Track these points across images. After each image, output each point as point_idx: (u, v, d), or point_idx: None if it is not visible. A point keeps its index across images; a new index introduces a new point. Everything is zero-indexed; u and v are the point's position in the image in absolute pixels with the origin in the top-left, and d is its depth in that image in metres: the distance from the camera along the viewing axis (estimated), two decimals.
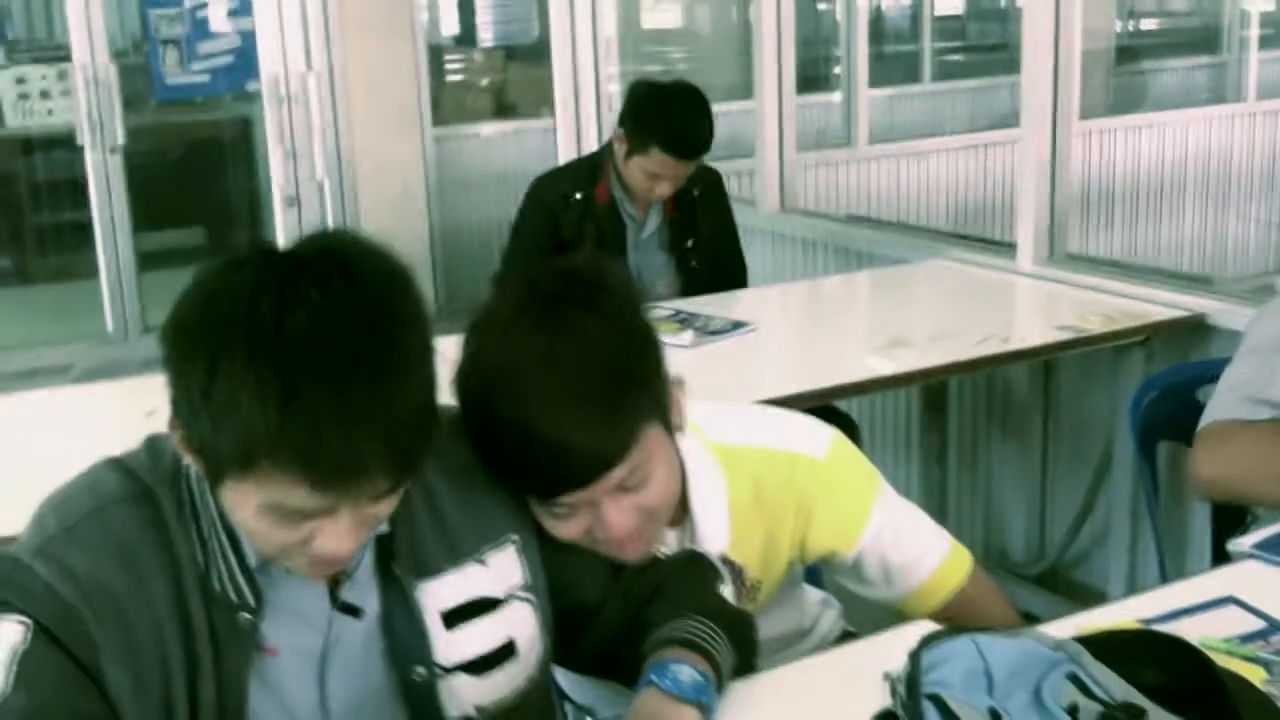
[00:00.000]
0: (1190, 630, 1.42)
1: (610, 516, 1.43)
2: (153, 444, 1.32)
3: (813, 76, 6.84)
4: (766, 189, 4.67)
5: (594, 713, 1.75)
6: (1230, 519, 2.24)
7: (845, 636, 1.94)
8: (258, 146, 6.44)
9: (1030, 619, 1.59)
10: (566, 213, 3.50)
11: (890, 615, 1.76)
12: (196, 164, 7.04)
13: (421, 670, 1.35)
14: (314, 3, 5.86)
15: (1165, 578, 2.45)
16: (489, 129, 7.11)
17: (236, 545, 1.28)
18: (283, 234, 6.07)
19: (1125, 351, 3.20)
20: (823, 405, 2.71)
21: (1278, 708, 1.33)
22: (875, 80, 6.50)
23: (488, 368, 1.40)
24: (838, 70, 6.52)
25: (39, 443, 2.50)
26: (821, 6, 7.60)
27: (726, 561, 1.63)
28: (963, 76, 8.13)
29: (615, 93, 5.52)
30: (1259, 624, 1.58)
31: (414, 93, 6.22)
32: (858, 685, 1.34)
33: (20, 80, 6.27)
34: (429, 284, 6.16)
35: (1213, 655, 1.30)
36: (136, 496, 1.28)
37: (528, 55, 7.39)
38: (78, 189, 6.00)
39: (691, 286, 3.59)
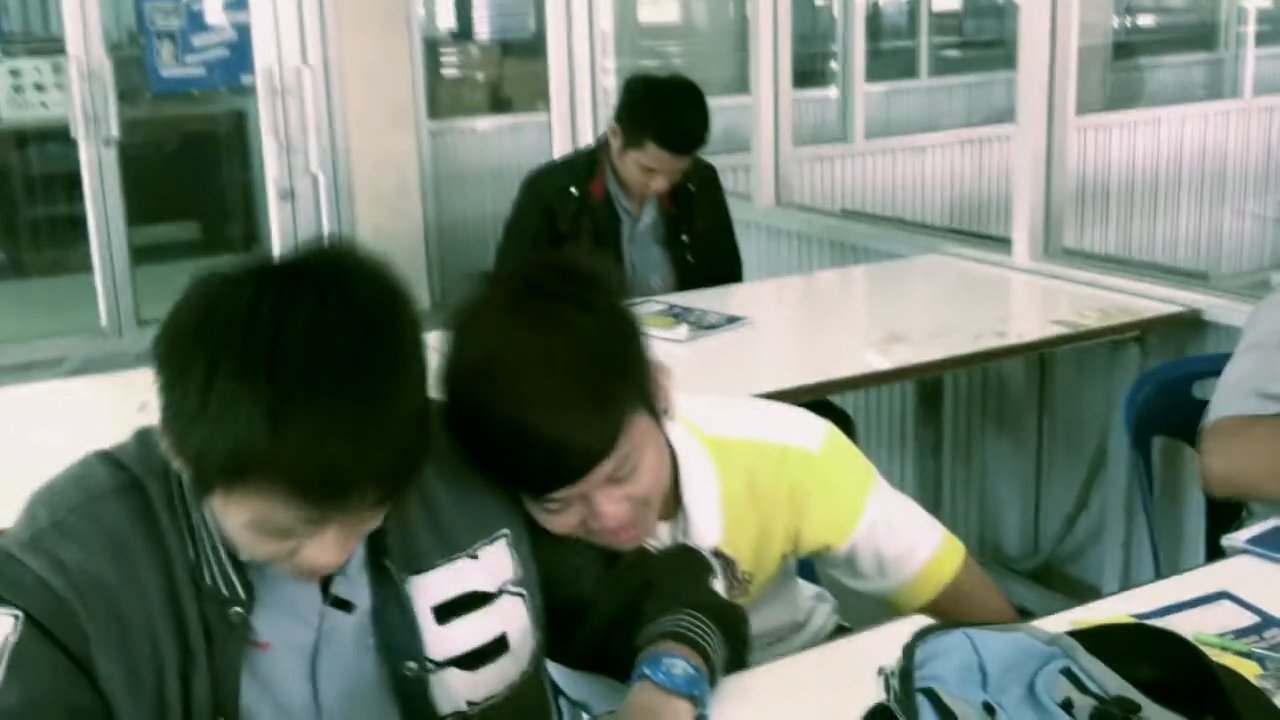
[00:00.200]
0: (1184, 625, 1.42)
1: (603, 508, 1.42)
2: (143, 436, 1.31)
3: (809, 71, 6.83)
4: (762, 184, 4.67)
5: (588, 707, 1.75)
6: (1225, 514, 2.24)
7: (839, 631, 1.94)
8: (253, 140, 6.43)
9: (1024, 614, 1.60)
10: (562, 207, 3.49)
11: (884, 610, 1.76)
12: (191, 157, 7.02)
13: (413, 665, 1.35)
14: None
15: (1160, 573, 2.45)
16: (485, 123, 7.10)
17: (227, 539, 1.27)
18: (277, 228, 6.06)
19: (1121, 347, 3.20)
20: (818, 400, 2.71)
21: (1272, 702, 1.32)
22: (872, 75, 6.50)
23: (469, 367, 1.39)
24: (834, 65, 6.51)
25: (32, 436, 2.49)
26: (818, 1, 7.59)
27: (719, 555, 1.63)
28: (959, 72, 8.12)
29: (611, 87, 5.52)
30: (1253, 619, 1.58)
31: (409, 87, 6.20)
32: (851, 679, 1.33)
33: (15, 73, 6.24)
34: (424, 278, 6.15)
35: (1207, 650, 1.30)
36: (127, 489, 1.28)
37: (524, 50, 7.38)
38: (72, 182, 5.98)
39: (687, 281, 3.58)
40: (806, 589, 1.95)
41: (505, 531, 1.42)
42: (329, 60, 5.90)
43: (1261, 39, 8.04)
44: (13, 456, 2.33)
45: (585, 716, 1.73)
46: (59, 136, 6.00)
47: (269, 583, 1.29)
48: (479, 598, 1.39)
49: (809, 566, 1.98)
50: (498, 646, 1.40)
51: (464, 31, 7.78)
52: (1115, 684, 1.21)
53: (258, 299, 1.14)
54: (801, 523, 1.69)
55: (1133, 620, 1.51)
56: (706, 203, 3.64)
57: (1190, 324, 3.17)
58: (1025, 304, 3.52)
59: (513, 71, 7.49)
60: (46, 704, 1.22)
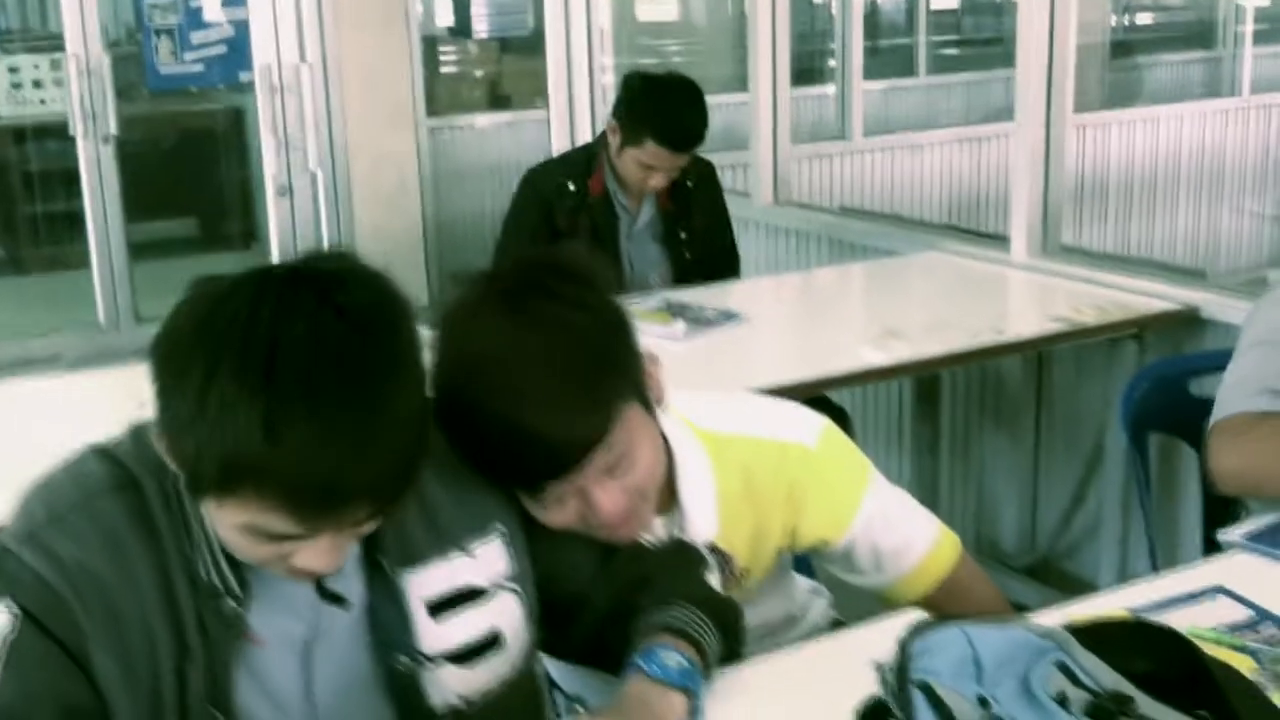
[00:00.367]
0: (1179, 620, 1.42)
1: (599, 500, 1.42)
2: (138, 432, 1.31)
3: (808, 69, 6.84)
4: (760, 181, 4.67)
5: (584, 702, 1.75)
6: (1221, 510, 2.24)
7: (835, 625, 1.94)
8: (251, 137, 6.43)
9: (1021, 610, 1.60)
10: (560, 204, 3.49)
11: (880, 604, 1.76)
12: (189, 154, 7.02)
13: (405, 660, 1.35)
14: None
15: (1156, 569, 2.45)
16: (483, 120, 7.10)
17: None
18: (275, 225, 6.05)
19: (1118, 344, 3.20)
20: (815, 396, 2.71)
21: (1266, 697, 1.33)
22: (870, 73, 6.50)
23: (460, 365, 1.38)
24: (833, 63, 6.51)
25: (29, 431, 2.49)
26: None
27: (714, 550, 1.63)
28: (958, 70, 8.12)
29: (610, 85, 5.52)
30: (1248, 614, 1.59)
31: (408, 84, 6.19)
32: (847, 673, 1.33)
33: (13, 70, 6.24)
34: (423, 275, 6.15)
35: (1201, 645, 1.30)
36: (123, 485, 1.28)
37: (522, 47, 7.38)
38: (70, 179, 5.97)
39: (685, 277, 3.58)
40: (802, 583, 1.95)
41: (500, 527, 1.42)
42: (327, 57, 5.90)
43: (1259, 38, 8.04)
44: (10, 451, 2.33)
45: (580, 710, 1.73)
46: (57, 133, 6.00)
47: (264, 578, 1.29)
48: (473, 593, 1.39)
49: (805, 561, 1.98)
50: (491, 642, 1.40)
51: (462, 29, 7.79)
52: (1110, 678, 1.21)
53: (258, 306, 1.14)
54: (799, 519, 1.69)
55: (1128, 615, 1.51)
56: (704, 200, 3.65)
57: (1188, 321, 3.17)
58: (1023, 301, 3.52)
59: (511, 69, 7.49)
60: (42, 699, 1.22)
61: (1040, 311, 3.26)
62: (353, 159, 6.03)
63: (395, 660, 1.35)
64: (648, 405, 1.48)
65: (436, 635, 1.37)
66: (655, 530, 1.60)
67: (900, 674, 1.24)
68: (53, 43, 6.08)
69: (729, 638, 1.44)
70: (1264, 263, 7.20)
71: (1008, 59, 4.23)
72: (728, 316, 3.13)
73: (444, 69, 7.49)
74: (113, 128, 5.81)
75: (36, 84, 6.25)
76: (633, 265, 3.58)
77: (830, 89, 6.45)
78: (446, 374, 1.37)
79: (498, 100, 7.46)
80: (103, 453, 1.31)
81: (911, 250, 3.97)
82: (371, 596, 1.35)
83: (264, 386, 1.11)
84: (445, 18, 7.83)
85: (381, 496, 1.19)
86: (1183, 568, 1.79)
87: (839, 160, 5.98)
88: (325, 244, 6.01)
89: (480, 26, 7.79)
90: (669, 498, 1.60)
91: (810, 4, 7.57)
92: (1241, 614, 1.58)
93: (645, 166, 3.40)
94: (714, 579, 1.54)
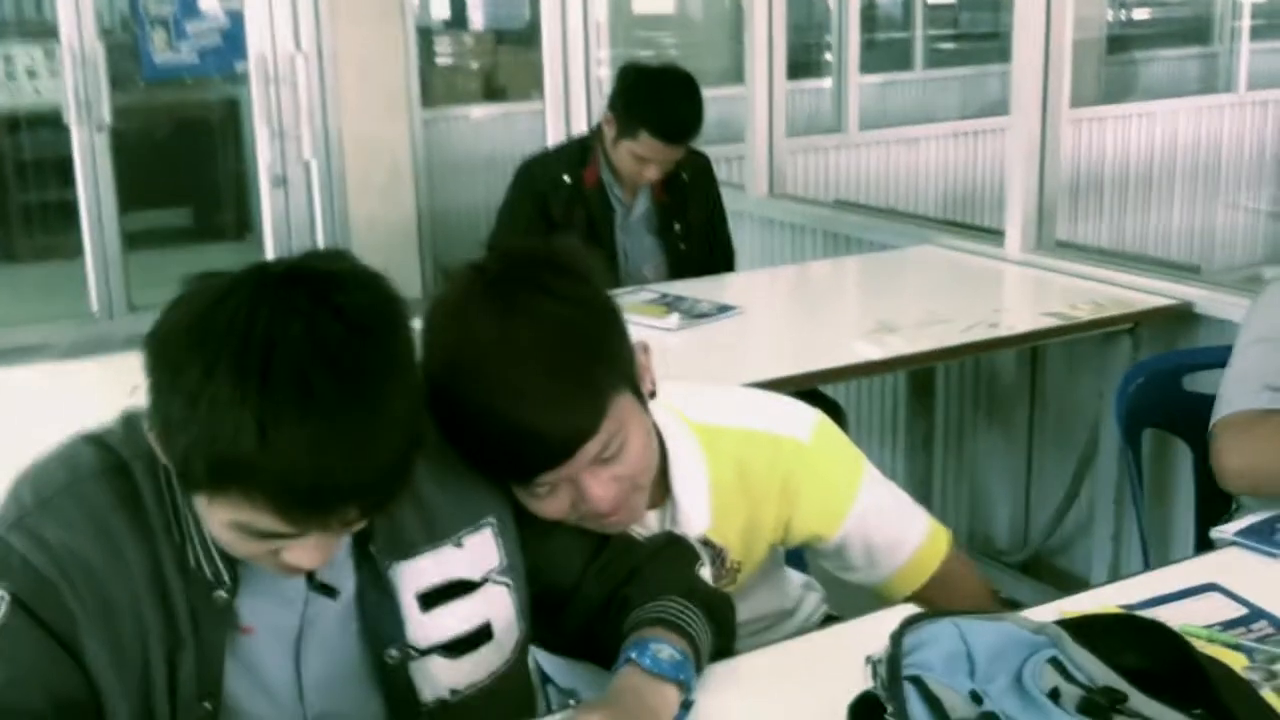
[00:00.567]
0: (1172, 617, 1.42)
1: (591, 490, 1.42)
2: (129, 420, 1.31)
3: (804, 62, 6.83)
4: (756, 174, 4.66)
5: (576, 695, 1.74)
6: (1214, 507, 2.24)
7: (827, 620, 1.94)
8: (245, 127, 6.42)
9: (1014, 606, 1.59)
10: (555, 195, 3.48)
11: (872, 599, 1.76)
12: (184, 144, 7.01)
13: (395, 651, 1.35)
14: None
15: (1149, 565, 2.45)
16: (478, 112, 7.10)
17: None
18: (270, 215, 6.05)
19: (1112, 339, 3.20)
20: (809, 390, 2.71)
21: (1258, 694, 1.33)
22: (867, 67, 6.50)
23: (450, 358, 1.38)
24: (829, 56, 6.51)
25: (21, 419, 2.49)
26: None
27: (707, 543, 1.62)
28: (954, 64, 8.13)
29: (605, 77, 5.51)
30: (1241, 611, 1.58)
31: (403, 75, 6.19)
32: (839, 667, 1.33)
33: (7, 58, 6.23)
34: (416, 266, 6.15)
35: (1193, 642, 1.30)
36: (113, 471, 1.27)
37: (518, 39, 7.38)
38: (64, 168, 5.97)
39: (679, 270, 3.58)
40: (795, 577, 1.95)
41: (491, 520, 1.42)
42: (322, 48, 5.89)
43: (1256, 33, 8.05)
44: (3, 440, 2.32)
45: (572, 703, 1.73)
46: (51, 122, 5.99)
47: (253, 567, 1.28)
48: (464, 586, 1.39)
49: (798, 555, 1.98)
50: (482, 635, 1.40)
51: (458, 20, 7.78)
52: (1102, 673, 1.21)
53: (256, 306, 1.13)
54: (793, 512, 1.69)
55: (1120, 611, 1.51)
56: (700, 192, 3.64)
57: (1182, 317, 3.17)
58: (1017, 296, 3.52)
59: (506, 60, 7.48)
60: (32, 684, 1.22)
61: (1035, 306, 3.26)
62: (347, 150, 6.03)
63: (385, 651, 1.35)
64: (639, 395, 1.48)
65: (427, 627, 1.36)
66: (648, 523, 1.59)
67: (893, 668, 1.23)
68: (47, 31, 6.07)
69: (721, 631, 1.44)
70: (1259, 258, 7.22)
71: (1004, 54, 4.23)
72: (722, 309, 3.13)
73: (439, 60, 7.48)
74: (107, 117, 5.80)
75: (31, 73, 6.24)
76: (627, 257, 3.57)
77: (826, 82, 6.45)
78: (438, 366, 1.37)
79: (493, 92, 7.46)
80: (93, 439, 1.31)
81: (906, 244, 3.97)
82: (361, 587, 1.34)
83: (259, 388, 1.10)
84: (441, 9, 7.83)
85: (373, 498, 1.19)
86: (1176, 564, 1.79)
87: (834, 154, 5.98)
88: (319, 234, 6.01)
89: (476, 17, 7.80)
90: (662, 491, 1.60)
91: None
92: (1235, 611, 1.58)
93: (640, 159, 3.39)
94: (706, 572, 1.53)
